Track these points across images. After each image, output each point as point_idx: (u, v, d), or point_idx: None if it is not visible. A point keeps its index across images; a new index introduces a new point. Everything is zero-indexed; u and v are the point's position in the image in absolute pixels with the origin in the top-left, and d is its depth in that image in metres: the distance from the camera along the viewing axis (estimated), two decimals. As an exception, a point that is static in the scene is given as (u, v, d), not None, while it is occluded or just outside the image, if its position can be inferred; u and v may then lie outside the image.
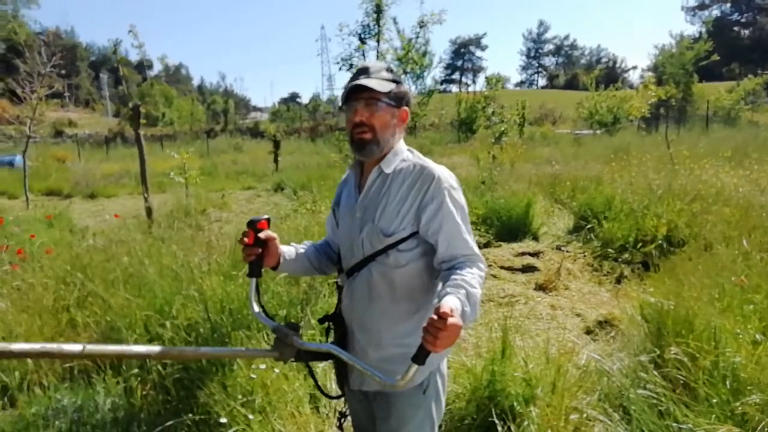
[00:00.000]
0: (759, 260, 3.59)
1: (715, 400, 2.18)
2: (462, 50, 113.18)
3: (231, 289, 3.41)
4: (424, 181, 1.49)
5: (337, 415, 2.85)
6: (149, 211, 6.58)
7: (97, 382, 2.74)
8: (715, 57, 26.16)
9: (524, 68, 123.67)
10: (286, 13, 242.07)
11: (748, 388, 2.19)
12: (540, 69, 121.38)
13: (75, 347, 1.07)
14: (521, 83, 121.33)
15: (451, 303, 1.21)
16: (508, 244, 6.68)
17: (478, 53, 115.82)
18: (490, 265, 5.90)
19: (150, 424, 2.55)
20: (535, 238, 6.93)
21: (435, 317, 1.16)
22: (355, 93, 1.49)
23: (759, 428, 1.96)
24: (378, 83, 1.49)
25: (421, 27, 3.92)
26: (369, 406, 1.72)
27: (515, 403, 2.61)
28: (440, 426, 2.79)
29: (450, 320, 1.15)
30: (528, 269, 5.73)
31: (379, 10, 3.53)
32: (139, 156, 6.95)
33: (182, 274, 3.63)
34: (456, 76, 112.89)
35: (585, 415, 2.55)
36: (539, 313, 4.50)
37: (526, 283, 5.33)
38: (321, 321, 1.73)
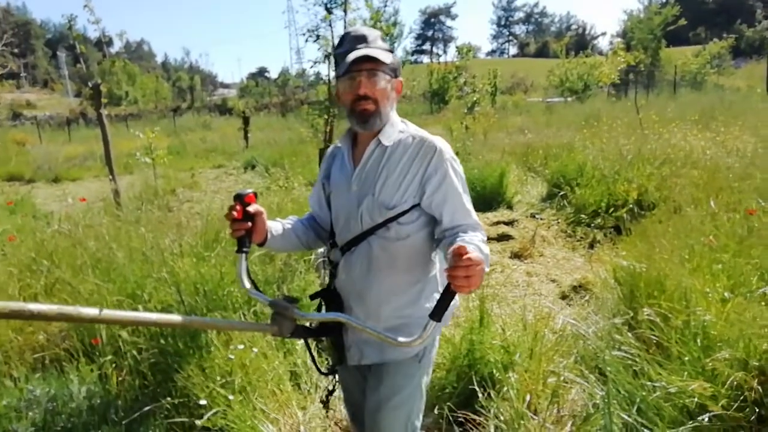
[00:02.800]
0: (726, 220, 3.67)
1: (687, 358, 2.24)
2: (432, 20, 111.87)
3: (204, 270, 3.33)
4: (426, 153, 1.49)
5: (320, 390, 2.87)
6: (116, 194, 6.39)
7: (71, 371, 2.67)
8: (682, 21, 26.34)
9: (495, 37, 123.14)
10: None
11: (718, 344, 2.25)
12: (511, 37, 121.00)
13: (92, 311, 1.03)
14: (492, 52, 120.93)
15: (460, 244, 1.19)
16: (483, 213, 6.72)
17: (449, 23, 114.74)
18: (465, 236, 5.93)
19: (127, 410, 2.50)
20: (510, 207, 6.99)
21: (455, 257, 1.14)
22: (356, 63, 1.43)
23: (728, 383, 2.02)
24: (380, 53, 1.45)
25: (389, -4, 3.84)
26: (364, 382, 1.71)
27: (494, 370, 2.64)
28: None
29: (470, 254, 1.13)
30: (503, 238, 5.78)
31: (345, -22, 3.46)
32: (102, 137, 6.70)
33: (153, 257, 3.54)
34: (427, 46, 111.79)
35: (562, 378, 2.59)
36: (515, 281, 4.56)
37: (502, 251, 5.39)
38: (313, 297, 1.70)
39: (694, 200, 4.43)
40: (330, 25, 3.72)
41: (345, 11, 3.77)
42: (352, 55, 1.43)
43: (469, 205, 1.52)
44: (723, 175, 5.04)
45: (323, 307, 1.68)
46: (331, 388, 1.81)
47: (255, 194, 1.51)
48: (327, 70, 3.83)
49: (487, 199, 7.02)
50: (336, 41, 4.02)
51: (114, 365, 2.79)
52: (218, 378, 2.58)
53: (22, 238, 4.46)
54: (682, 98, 16.11)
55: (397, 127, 1.56)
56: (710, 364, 2.14)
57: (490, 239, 5.75)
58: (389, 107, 1.52)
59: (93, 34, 7.92)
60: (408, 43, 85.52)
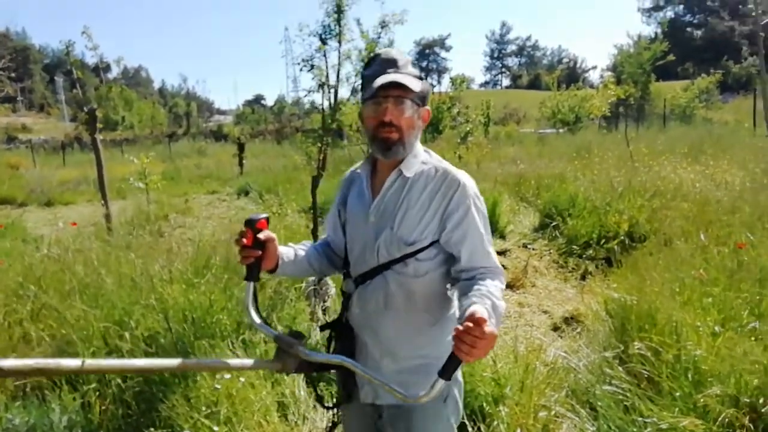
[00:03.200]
0: (716, 254, 3.69)
1: (678, 393, 2.22)
2: (427, 51, 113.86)
3: (194, 297, 3.31)
4: (449, 187, 1.42)
5: (308, 423, 2.81)
6: (108, 218, 6.36)
7: (52, 399, 2.61)
8: (671, 57, 26.99)
9: (488, 69, 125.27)
10: (249, 15, 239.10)
11: (709, 380, 2.23)
12: (503, 69, 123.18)
13: (73, 362, 0.99)
14: (486, 83, 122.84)
15: (481, 311, 1.14)
16: (475, 243, 6.72)
17: (443, 54, 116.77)
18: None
19: (109, 441, 2.45)
20: (502, 237, 6.99)
21: (470, 324, 1.07)
22: (384, 89, 1.38)
23: (719, 419, 2.00)
24: (410, 80, 1.40)
25: (382, 27, 3.90)
26: (374, 422, 1.58)
27: (484, 403, 2.60)
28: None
29: (486, 327, 1.07)
30: (495, 268, 5.77)
31: (339, 10, 3.49)
32: (96, 161, 6.72)
33: (142, 283, 3.51)
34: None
35: (553, 413, 2.56)
36: (507, 312, 4.52)
37: (494, 281, 5.37)
38: (323, 328, 1.61)
39: (684, 233, 4.46)
40: (324, 56, 3.78)
41: (339, 42, 3.83)
42: (380, 80, 1.37)
43: (490, 247, 1.44)
44: (712, 208, 5.09)
45: (333, 341, 1.60)
46: (335, 420, 1.68)
47: (267, 219, 1.43)
48: (321, 99, 3.88)
49: (479, 228, 7.03)
50: (330, 71, 4.11)
51: (98, 394, 2.73)
52: (203, 408, 2.53)
53: (10, 262, 4.41)
54: (671, 131, 16.38)
55: (420, 158, 1.49)
56: (702, 400, 2.12)
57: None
58: (414, 137, 1.45)
59: (91, 60, 7.95)
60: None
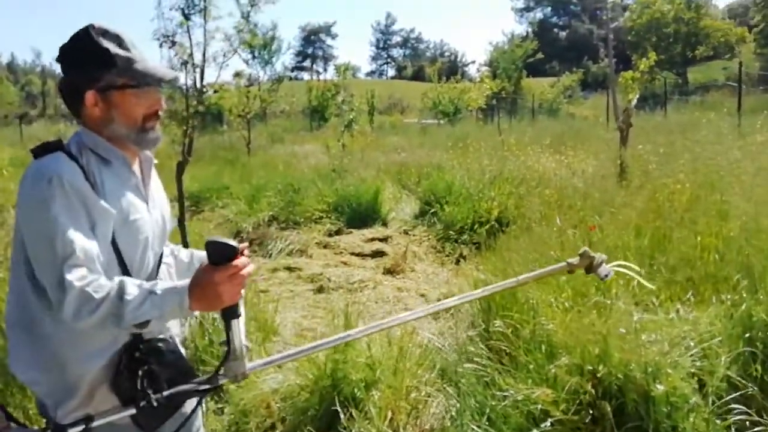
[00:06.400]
0: (571, 236, 4.02)
1: (532, 366, 2.38)
2: (312, 37, 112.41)
3: None
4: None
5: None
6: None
7: None
8: (540, 55, 29.36)
9: (374, 58, 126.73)
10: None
11: (559, 351, 2.42)
12: (389, 60, 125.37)
13: None
14: (372, 73, 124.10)
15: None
16: (358, 230, 6.77)
17: (329, 41, 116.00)
18: (340, 252, 5.95)
19: None
20: (384, 224, 7.11)
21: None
22: (160, 80, 1.32)
23: (566, 387, 2.17)
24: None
25: (252, 6, 3.72)
26: None
27: (356, 389, 2.61)
28: (283, 420, 2.71)
29: None
30: (377, 254, 5.85)
31: (205, -17, 3.30)
32: None
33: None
34: (307, 63, 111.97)
35: (423, 393, 2.64)
36: (386, 297, 4.61)
37: (375, 267, 5.44)
38: (137, 360, 1.23)
39: (544, 217, 4.81)
40: (188, 32, 3.51)
41: (205, 19, 3.59)
42: (165, 72, 1.33)
43: None
44: (569, 194, 5.56)
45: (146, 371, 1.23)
46: None
47: None
48: (185, 79, 3.60)
49: (362, 216, 7.09)
50: (195, 49, 3.80)
51: None
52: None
53: None
54: (539, 124, 17.70)
55: None
56: (552, 370, 2.29)
57: (364, 256, 5.82)
58: None
59: None
60: (287, 58, 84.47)
